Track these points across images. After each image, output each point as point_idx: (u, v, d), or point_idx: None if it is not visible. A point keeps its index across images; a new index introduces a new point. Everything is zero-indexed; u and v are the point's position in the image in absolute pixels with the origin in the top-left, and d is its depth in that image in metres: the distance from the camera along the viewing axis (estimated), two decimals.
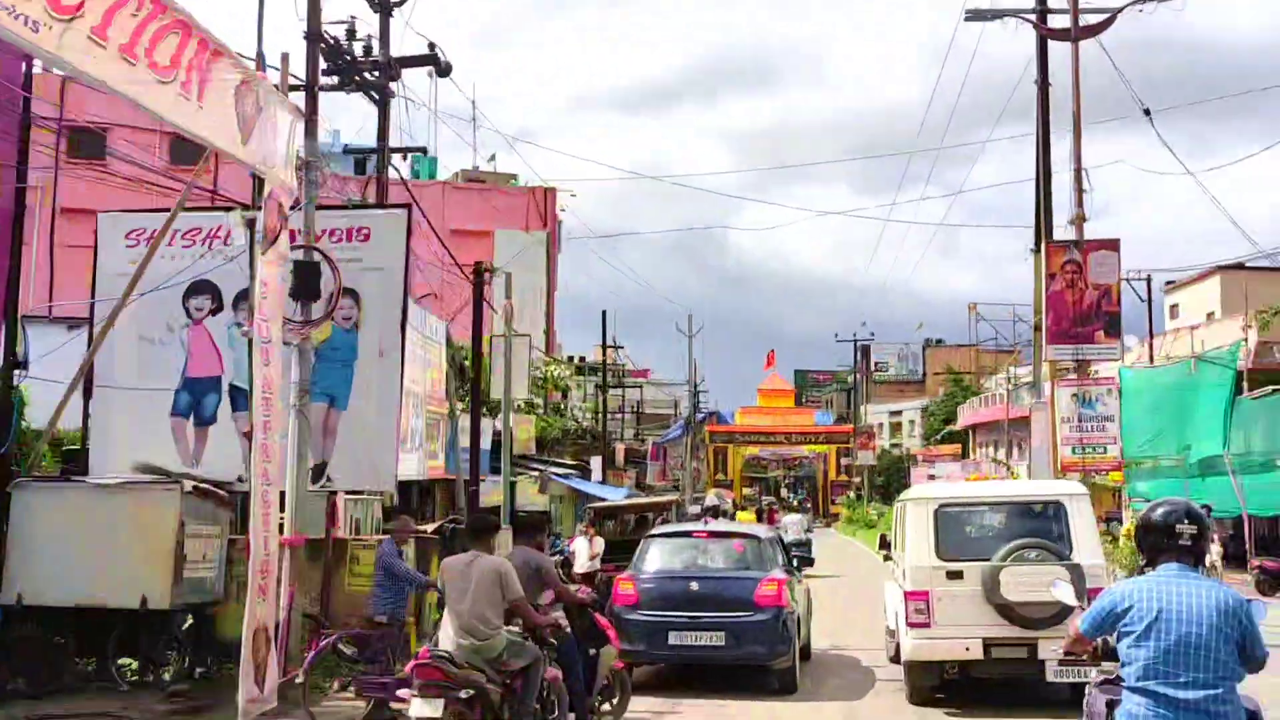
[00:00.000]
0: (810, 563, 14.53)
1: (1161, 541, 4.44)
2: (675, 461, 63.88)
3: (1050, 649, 8.96)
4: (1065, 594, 5.67)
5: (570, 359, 62.44)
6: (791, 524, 28.80)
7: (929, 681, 10.65)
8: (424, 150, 14.66)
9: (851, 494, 65.46)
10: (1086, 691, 5.32)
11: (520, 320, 44.92)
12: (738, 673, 11.87)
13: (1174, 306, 36.98)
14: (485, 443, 17.93)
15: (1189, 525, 4.39)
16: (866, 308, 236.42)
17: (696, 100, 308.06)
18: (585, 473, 29.28)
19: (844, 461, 63.71)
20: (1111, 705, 4.63)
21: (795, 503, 70.98)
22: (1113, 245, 16.56)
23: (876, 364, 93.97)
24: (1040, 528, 10.54)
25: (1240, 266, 31.48)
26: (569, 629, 9.01)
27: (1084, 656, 4.88)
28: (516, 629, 7.95)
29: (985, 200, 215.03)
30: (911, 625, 10.36)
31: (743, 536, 12.86)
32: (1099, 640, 4.66)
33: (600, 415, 32.53)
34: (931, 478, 64.95)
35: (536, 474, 23.82)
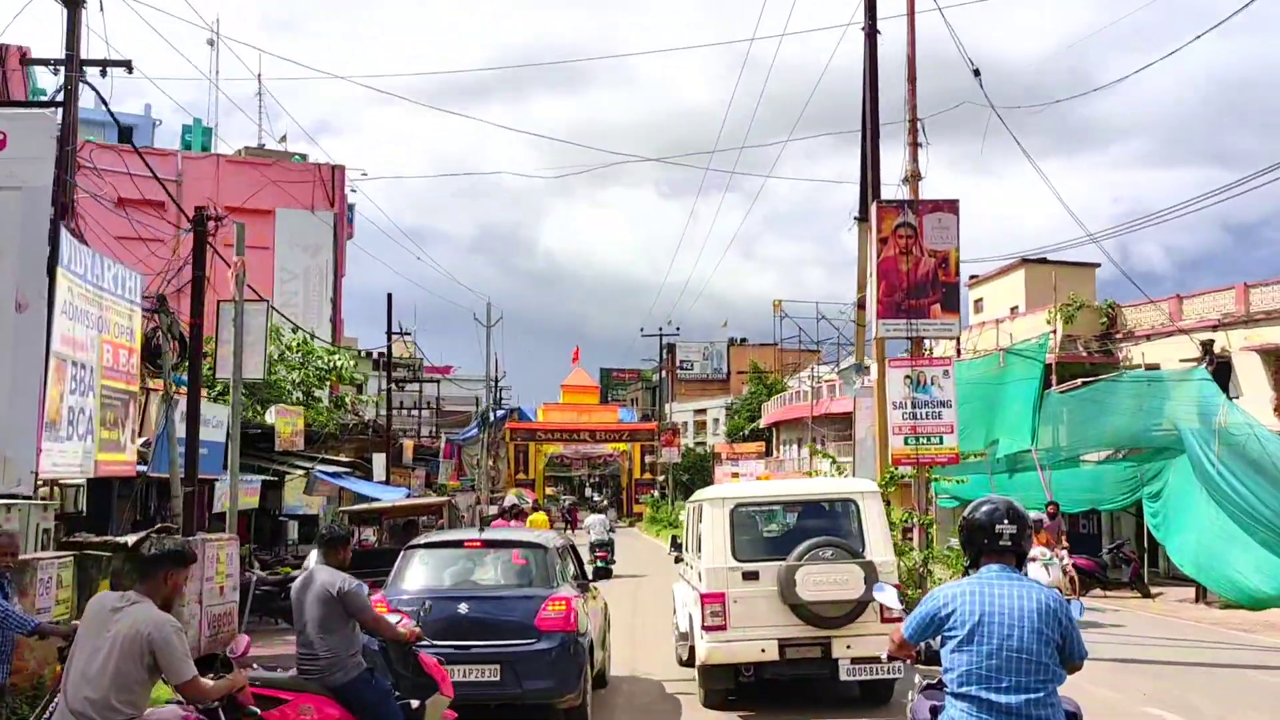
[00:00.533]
0: (608, 573, 12.42)
1: (983, 541, 4.35)
2: (474, 459, 60.93)
3: (843, 648, 9.67)
4: (889, 598, 5.72)
5: (367, 354, 58.46)
6: (594, 524, 27.86)
7: (724, 685, 10.35)
8: (128, 65, 11.48)
9: (656, 493, 64.13)
10: (909, 697, 5.30)
11: (304, 306, 41.56)
12: (517, 713, 9.66)
13: (978, 301, 36.72)
14: (220, 434, 14.81)
15: (1009, 525, 4.30)
16: (672, 310, 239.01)
17: (505, 97, 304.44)
18: (365, 471, 26.17)
19: (648, 459, 62.11)
20: (935, 711, 4.57)
21: (603, 503, 69.22)
22: (951, 207, 14.46)
23: (681, 362, 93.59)
24: (834, 526, 10.44)
25: (1044, 260, 31.31)
26: (388, 674, 7.13)
27: (908, 661, 4.90)
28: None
29: (781, 208, 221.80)
30: (707, 629, 10.02)
31: (524, 546, 10.49)
32: (923, 645, 4.63)
33: (385, 408, 29.26)
34: (735, 476, 64.91)
35: (302, 473, 20.67)
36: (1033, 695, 4.02)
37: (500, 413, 63.99)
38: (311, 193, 42.02)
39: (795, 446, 58.14)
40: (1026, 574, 4.38)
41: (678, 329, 67.80)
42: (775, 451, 63.21)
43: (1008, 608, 4.12)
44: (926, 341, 14.82)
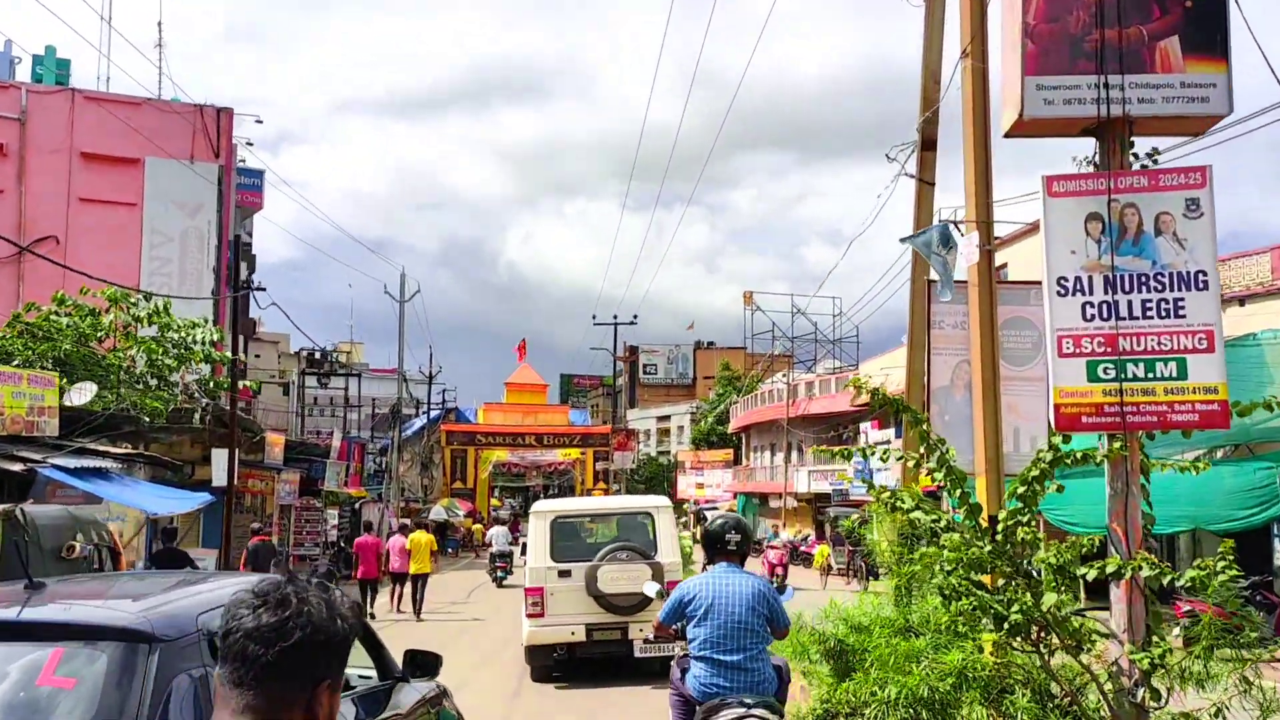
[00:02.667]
0: (431, 668, 5.47)
1: (716, 547, 6.03)
2: (410, 464, 53.37)
3: (637, 631, 12.37)
4: (651, 589, 7.65)
5: (308, 354, 50.85)
6: (496, 535, 29.98)
7: (544, 662, 12.84)
8: None
9: None
10: (673, 663, 6.57)
11: (180, 275, 34.00)
12: None
13: (1001, 267, 30.20)
14: None
15: (736, 535, 6.00)
16: (638, 318, 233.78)
17: (466, 111, 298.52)
18: (174, 469, 18.81)
19: (599, 466, 54.74)
20: (685, 671, 6.02)
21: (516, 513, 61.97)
22: None
23: (645, 366, 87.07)
24: (634, 534, 13.31)
25: None
26: None
27: (664, 638, 6.96)
28: None
29: (745, 223, 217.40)
30: (529, 616, 12.63)
31: (79, 636, 3.40)
32: (678, 625, 6.08)
33: (231, 389, 21.89)
34: (700, 487, 58.02)
35: (22, 469, 13.42)
36: (748, 653, 5.69)
37: (435, 413, 56.54)
38: (191, 140, 34.84)
39: (768, 452, 51.20)
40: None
41: (635, 317, 60.75)
42: (745, 459, 56.30)
43: (732, 593, 5.77)
44: (1136, 153, 5.09)
